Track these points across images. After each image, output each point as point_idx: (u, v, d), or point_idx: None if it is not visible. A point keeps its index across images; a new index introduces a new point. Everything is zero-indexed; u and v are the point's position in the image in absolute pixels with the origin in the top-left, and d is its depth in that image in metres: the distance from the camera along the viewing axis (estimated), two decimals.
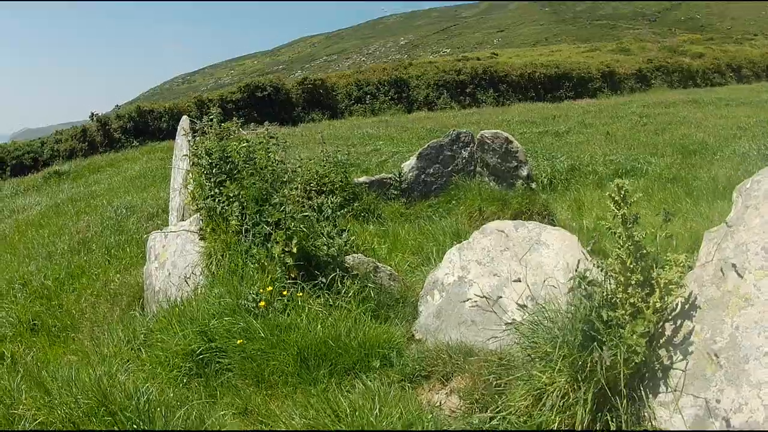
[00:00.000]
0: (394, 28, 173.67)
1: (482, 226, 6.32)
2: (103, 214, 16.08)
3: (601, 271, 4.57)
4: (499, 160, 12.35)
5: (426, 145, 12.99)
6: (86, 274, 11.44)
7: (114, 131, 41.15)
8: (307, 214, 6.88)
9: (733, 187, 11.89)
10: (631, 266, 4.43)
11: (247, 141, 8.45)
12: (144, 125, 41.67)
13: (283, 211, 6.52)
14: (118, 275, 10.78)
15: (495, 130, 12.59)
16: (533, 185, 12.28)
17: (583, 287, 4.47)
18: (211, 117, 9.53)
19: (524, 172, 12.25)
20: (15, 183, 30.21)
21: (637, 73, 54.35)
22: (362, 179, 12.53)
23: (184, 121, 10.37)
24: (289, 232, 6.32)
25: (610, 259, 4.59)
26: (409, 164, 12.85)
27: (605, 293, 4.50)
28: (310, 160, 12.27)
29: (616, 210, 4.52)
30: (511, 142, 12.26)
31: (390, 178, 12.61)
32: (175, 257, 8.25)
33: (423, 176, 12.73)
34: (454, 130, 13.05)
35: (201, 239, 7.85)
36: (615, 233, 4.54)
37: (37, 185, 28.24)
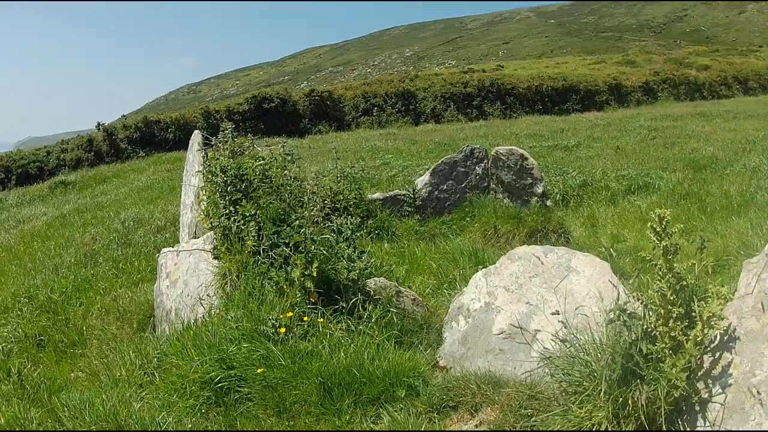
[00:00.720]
0: (400, 39, 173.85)
1: (510, 251, 6.15)
2: (110, 226, 15.97)
3: (641, 303, 4.40)
4: (513, 177, 12.18)
5: (440, 161, 12.83)
6: (93, 288, 11.33)
7: (120, 141, 41.05)
8: (327, 236, 6.68)
9: (748, 203, 11.72)
10: (672, 298, 4.26)
11: (263, 158, 8.30)
12: (150, 136, 41.56)
13: (303, 233, 6.34)
14: (126, 291, 10.64)
15: (510, 147, 12.42)
16: (548, 202, 12.10)
17: (622, 320, 4.29)
18: (225, 132, 9.38)
19: (539, 189, 12.07)
20: (20, 192, 30.15)
21: (643, 85, 54.24)
22: (376, 195, 12.37)
23: (197, 136, 10.21)
24: (309, 256, 6.15)
25: (650, 291, 4.42)
26: (422, 180, 12.69)
27: (645, 326, 4.33)
28: (324, 176, 12.10)
29: (656, 241, 4.35)
30: (527, 158, 12.09)
31: (404, 195, 12.44)
32: (187, 276, 8.08)
33: (436, 192, 12.56)
34: (467, 146, 12.89)
35: (215, 258, 7.68)
36: (655, 265, 4.35)
37: (43, 195, 28.18)
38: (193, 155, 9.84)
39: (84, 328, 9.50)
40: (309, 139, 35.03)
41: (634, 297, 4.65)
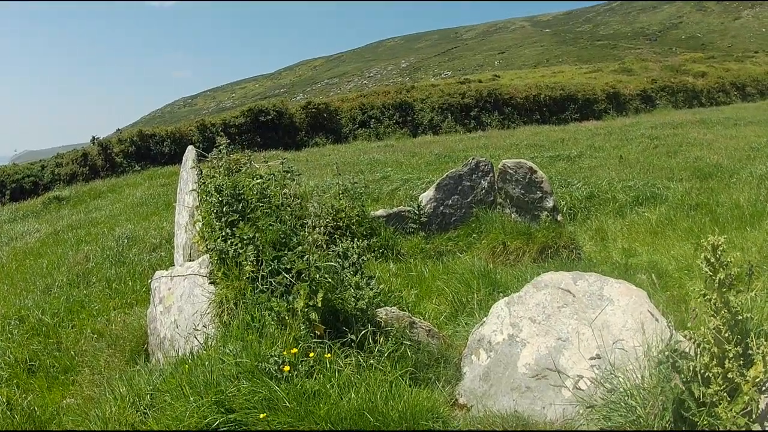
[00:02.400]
0: (395, 50, 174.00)
1: (534, 279, 5.64)
2: (103, 243, 15.64)
3: (690, 340, 3.91)
4: (522, 191, 11.72)
5: (444, 175, 12.38)
6: (86, 309, 10.95)
7: (115, 155, 40.71)
8: (332, 263, 6.19)
9: (761, 214, 11.30)
10: (727, 335, 3.78)
11: (261, 176, 7.83)
12: (146, 149, 41.23)
13: (306, 260, 5.83)
14: (119, 313, 10.23)
15: (518, 160, 11.97)
16: (559, 217, 11.64)
17: (671, 360, 3.81)
18: (220, 148, 8.93)
19: (549, 204, 11.62)
20: (14, 208, 29.87)
21: (641, 93, 54.08)
22: (379, 212, 11.92)
23: (190, 152, 9.75)
24: (314, 285, 5.64)
25: (702, 329, 3.93)
26: (427, 196, 12.23)
27: (697, 367, 3.85)
28: (324, 193, 11.68)
29: (709, 272, 3.86)
30: (536, 171, 11.63)
31: (408, 211, 11.98)
32: (182, 302, 7.62)
33: (442, 208, 12.11)
34: (473, 159, 12.44)
35: (211, 283, 7.19)
36: (709, 299, 3.87)
37: (37, 211, 27.92)
38: (187, 172, 9.39)
39: (76, 352, 9.13)
40: (306, 152, 34.70)
41: (673, 327, 4.19)
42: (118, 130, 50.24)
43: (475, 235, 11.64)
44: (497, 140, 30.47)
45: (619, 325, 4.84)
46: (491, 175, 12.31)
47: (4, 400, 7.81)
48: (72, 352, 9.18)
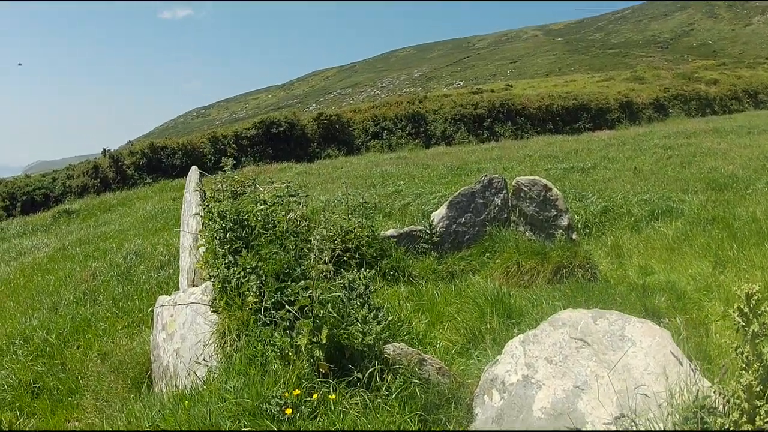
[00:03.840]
0: (408, 60, 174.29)
1: (552, 317, 5.33)
2: (111, 260, 15.54)
3: (722, 396, 3.63)
4: (536, 209, 11.44)
5: (456, 193, 12.12)
6: (92, 328, 10.81)
7: (127, 167, 40.73)
8: (336, 293, 5.93)
9: None
10: (758, 390, 3.50)
11: (265, 201, 7.58)
12: (157, 162, 41.24)
13: (309, 296, 5.57)
14: (124, 336, 10.12)
15: (532, 177, 11.69)
16: (574, 235, 11.34)
17: (699, 416, 3.53)
18: (225, 169, 8.70)
19: (564, 222, 11.32)
20: (23, 222, 30.00)
21: (654, 102, 53.88)
22: (390, 232, 11.64)
23: (194, 173, 9.51)
24: (318, 321, 5.38)
25: (733, 383, 3.65)
26: (439, 214, 11.96)
27: (726, 425, 3.57)
28: (333, 213, 11.44)
29: (742, 323, 3.57)
30: (550, 189, 11.34)
31: (419, 231, 11.69)
32: (184, 330, 7.39)
33: (454, 226, 11.83)
34: (485, 176, 12.18)
35: (213, 312, 6.95)
36: (741, 352, 3.59)
37: (46, 225, 28.00)
38: (191, 194, 9.16)
39: (81, 374, 9.03)
40: (318, 164, 34.58)
41: (698, 370, 3.90)
42: (130, 142, 50.33)
43: (488, 254, 11.37)
44: (510, 151, 30.24)
45: (640, 368, 4.55)
46: (505, 192, 12.04)
47: (7, 425, 7.72)
48: (77, 374, 9.04)
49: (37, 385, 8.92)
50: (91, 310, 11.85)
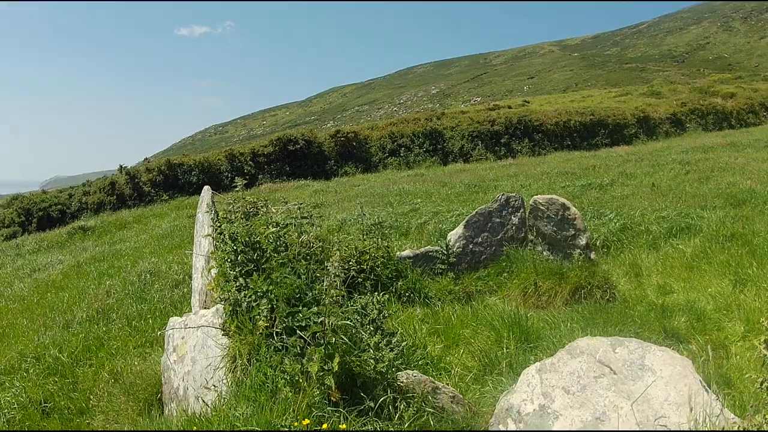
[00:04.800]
0: (425, 77, 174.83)
1: (569, 344, 5.17)
2: (125, 278, 15.54)
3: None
4: (554, 229, 11.27)
5: (473, 212, 11.97)
6: (105, 347, 10.79)
7: (143, 184, 40.78)
8: (349, 320, 5.79)
9: None
10: None
11: (277, 224, 7.46)
12: (174, 179, 41.26)
13: (321, 322, 5.43)
14: (136, 355, 10.05)
15: (550, 196, 11.52)
16: (592, 255, 11.16)
17: None
18: (236, 189, 8.59)
19: (582, 241, 11.15)
20: (39, 238, 30.09)
21: (671, 116, 53.65)
22: (405, 253, 11.50)
23: (206, 193, 9.43)
24: (329, 349, 5.24)
25: (757, 416, 3.50)
26: (455, 234, 11.81)
27: None
28: (348, 234, 11.32)
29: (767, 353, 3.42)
30: (568, 208, 11.18)
31: (436, 252, 11.53)
32: (194, 352, 7.28)
33: (471, 246, 11.68)
34: (502, 194, 12.03)
35: (224, 335, 6.84)
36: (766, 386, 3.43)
37: (61, 242, 28.09)
38: (203, 215, 9.07)
39: (92, 394, 8.96)
40: (335, 181, 34.54)
41: (721, 401, 3.74)
42: (146, 159, 50.40)
43: (505, 274, 11.20)
44: (528, 168, 30.07)
45: (661, 398, 4.39)
46: (522, 211, 11.89)
47: None
48: (88, 394, 8.99)
49: (48, 405, 8.88)
50: (104, 329, 11.83)
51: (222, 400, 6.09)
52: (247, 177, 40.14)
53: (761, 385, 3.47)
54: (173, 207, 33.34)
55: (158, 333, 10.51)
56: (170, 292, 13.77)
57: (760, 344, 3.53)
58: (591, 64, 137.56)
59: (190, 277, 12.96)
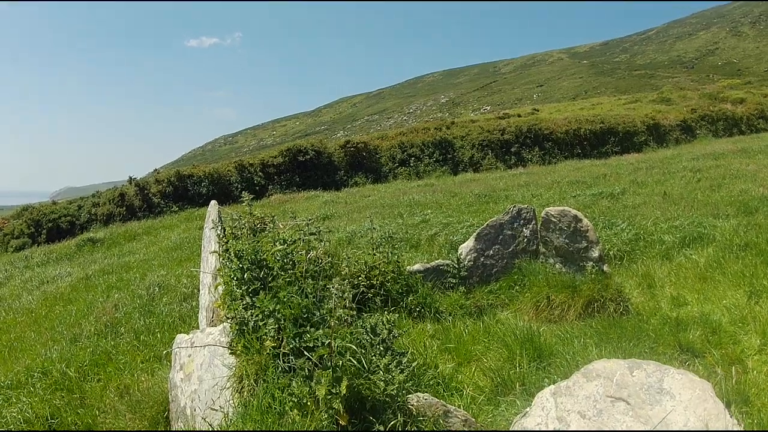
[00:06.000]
0: (434, 86, 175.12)
1: (585, 367, 5.01)
2: (134, 291, 15.53)
3: None
4: (567, 241, 11.12)
5: (485, 225, 11.83)
6: (113, 361, 10.68)
7: (153, 196, 40.80)
8: (358, 342, 5.65)
9: None
10: None
11: (284, 241, 7.34)
12: (183, 190, 41.26)
13: (328, 345, 5.30)
14: (144, 371, 9.90)
15: (562, 208, 11.37)
16: (605, 267, 10.99)
17: None
18: (243, 203, 8.49)
19: (595, 254, 10.98)
20: (47, 250, 30.14)
21: (681, 123, 53.38)
22: (416, 267, 11.35)
23: (213, 208, 9.34)
24: (337, 371, 5.11)
25: None
26: (466, 246, 11.68)
27: None
28: (358, 246, 11.18)
29: None
30: (581, 220, 11.02)
31: (447, 265, 11.40)
32: (201, 371, 7.17)
33: (482, 259, 11.54)
34: (514, 206, 11.90)
35: (231, 354, 6.72)
36: None
37: (70, 254, 28.11)
38: (210, 232, 8.98)
39: (99, 410, 8.84)
40: (345, 192, 34.51)
41: (742, 426, 3.59)
42: (156, 170, 50.43)
43: (517, 288, 11.08)
44: (538, 177, 29.95)
45: (680, 424, 4.23)
46: (533, 222, 11.75)
47: None
48: (95, 410, 8.85)
49: (54, 420, 8.76)
50: (112, 343, 11.75)
51: (228, 422, 5.97)
52: (257, 188, 40.15)
53: None
54: (183, 219, 33.35)
55: (164, 352, 10.43)
56: (179, 305, 13.70)
57: None
58: (600, 72, 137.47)
59: (199, 291, 12.90)
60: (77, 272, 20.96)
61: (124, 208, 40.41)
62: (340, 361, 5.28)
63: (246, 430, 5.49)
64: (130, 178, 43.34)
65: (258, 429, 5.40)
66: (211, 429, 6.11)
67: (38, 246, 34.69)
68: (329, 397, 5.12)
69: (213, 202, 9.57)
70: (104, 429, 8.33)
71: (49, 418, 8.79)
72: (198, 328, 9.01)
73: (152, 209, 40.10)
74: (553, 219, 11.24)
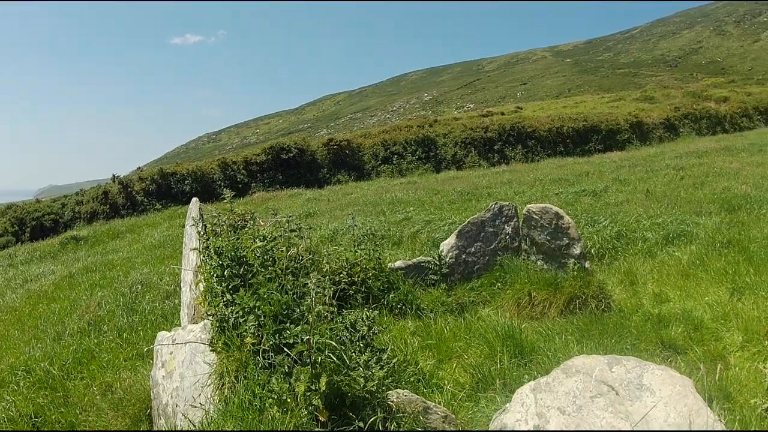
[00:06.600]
0: (418, 84, 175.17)
1: (564, 363, 5.01)
2: (117, 289, 15.47)
3: None
4: (548, 238, 11.13)
5: (466, 222, 11.83)
6: (96, 359, 10.64)
7: (136, 194, 40.69)
8: (338, 338, 5.64)
9: None
10: None
11: (264, 237, 7.32)
12: (167, 188, 41.18)
13: (307, 341, 5.29)
14: (126, 368, 9.88)
15: (543, 205, 11.38)
16: (587, 264, 11.00)
17: None
18: (224, 200, 8.47)
19: (576, 251, 11.00)
20: (31, 248, 29.99)
21: (665, 121, 53.59)
22: (397, 264, 11.34)
23: (194, 205, 9.32)
24: (316, 368, 5.10)
25: None
26: (448, 243, 11.67)
27: None
28: (340, 244, 11.18)
29: None
30: (562, 217, 11.03)
31: (428, 262, 11.39)
32: (183, 368, 7.15)
33: (464, 256, 11.54)
34: (495, 204, 11.90)
35: (212, 351, 6.70)
36: None
37: (54, 252, 28.00)
38: (191, 229, 8.96)
39: (82, 408, 8.82)
40: (328, 189, 34.51)
41: (722, 423, 3.60)
42: (140, 168, 50.26)
43: (499, 285, 11.07)
44: (521, 175, 29.98)
45: (660, 419, 4.24)
46: (515, 220, 11.75)
47: None
48: (78, 409, 8.83)
49: (38, 419, 8.74)
50: (95, 341, 11.70)
51: (210, 419, 5.95)
52: (240, 186, 40.08)
53: (766, 411, 3.34)
54: (166, 216, 33.26)
55: (145, 349, 10.40)
56: (161, 303, 13.68)
57: (765, 368, 3.39)
58: (584, 70, 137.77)
59: (181, 289, 12.89)
60: (61, 270, 20.91)
61: (108, 206, 40.27)
62: (320, 358, 5.27)
63: (226, 428, 5.48)
64: (114, 176, 43.16)
65: (238, 425, 5.39)
66: (192, 426, 6.10)
67: (22, 244, 34.56)
68: (308, 393, 5.11)
69: (194, 200, 9.55)
70: (87, 427, 8.29)
71: (33, 416, 8.77)
72: (180, 325, 8.98)
73: (136, 207, 39.99)
74: (535, 216, 11.25)
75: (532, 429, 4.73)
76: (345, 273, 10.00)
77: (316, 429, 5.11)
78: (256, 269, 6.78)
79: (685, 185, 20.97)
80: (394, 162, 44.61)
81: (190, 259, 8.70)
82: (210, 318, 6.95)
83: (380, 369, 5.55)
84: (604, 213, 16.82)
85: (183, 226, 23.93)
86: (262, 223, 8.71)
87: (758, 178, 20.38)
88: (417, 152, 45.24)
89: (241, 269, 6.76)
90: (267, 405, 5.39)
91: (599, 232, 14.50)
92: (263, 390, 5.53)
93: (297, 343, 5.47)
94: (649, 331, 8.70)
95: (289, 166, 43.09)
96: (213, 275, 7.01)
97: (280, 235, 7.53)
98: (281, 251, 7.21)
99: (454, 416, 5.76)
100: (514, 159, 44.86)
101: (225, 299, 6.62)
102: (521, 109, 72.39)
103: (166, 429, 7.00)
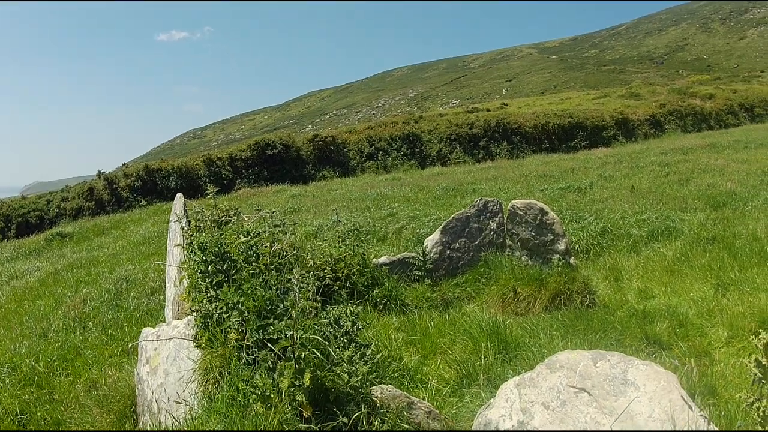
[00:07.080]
0: (403, 80, 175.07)
1: (549, 359, 5.00)
2: (102, 285, 15.40)
3: None
4: (533, 234, 11.15)
5: (451, 218, 11.83)
6: (81, 356, 10.60)
7: (122, 190, 40.51)
8: (322, 333, 5.63)
9: None
10: None
11: (248, 233, 7.30)
12: (152, 184, 41.01)
13: (291, 336, 5.28)
14: (112, 365, 9.78)
15: (528, 200, 11.41)
16: (571, 260, 11.04)
17: None
18: (208, 196, 8.44)
19: (561, 246, 11.03)
20: (16, 245, 29.79)
21: (650, 118, 53.60)
22: (382, 260, 11.34)
23: (178, 201, 9.28)
24: (300, 363, 5.09)
25: None
26: (432, 239, 11.67)
27: None
28: (324, 240, 11.17)
29: (759, 374, 3.29)
30: (547, 213, 11.06)
31: (413, 258, 11.39)
32: (167, 364, 7.13)
33: (448, 252, 11.54)
34: (480, 199, 11.90)
35: (196, 347, 6.68)
36: (757, 408, 3.30)
37: (39, 248, 27.83)
38: (175, 225, 8.93)
39: (68, 405, 8.80)
40: (313, 186, 34.42)
41: (707, 418, 3.61)
42: (124, 164, 50.07)
43: (483, 281, 11.08)
44: (506, 171, 29.99)
45: (644, 415, 4.23)
46: (500, 216, 11.76)
47: None
48: (63, 406, 8.81)
49: (24, 416, 8.73)
50: (81, 337, 11.67)
51: (193, 415, 5.94)
52: (225, 182, 39.98)
53: (751, 405, 3.34)
54: (151, 212, 33.17)
55: (130, 346, 10.36)
56: (146, 299, 13.64)
57: (749, 363, 3.39)
58: (569, 67, 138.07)
59: (165, 285, 12.85)
60: (46, 267, 20.80)
61: (93, 202, 40.10)
62: (303, 353, 5.26)
63: (210, 424, 5.47)
64: (99, 172, 42.96)
65: (222, 421, 5.38)
66: (176, 422, 6.09)
67: (7, 241, 34.36)
68: (292, 389, 5.09)
69: (179, 195, 9.51)
70: (73, 424, 8.27)
71: (18, 413, 8.76)
72: (165, 321, 8.96)
73: (121, 203, 39.81)
74: (520, 212, 11.26)
75: (516, 424, 4.73)
76: (329, 269, 10.00)
77: (300, 425, 5.10)
78: (240, 265, 6.77)
79: (670, 182, 21.04)
80: (379, 158, 44.54)
81: (175, 255, 8.67)
82: (194, 314, 6.92)
83: (364, 364, 5.55)
84: (589, 209, 16.85)
85: (168, 222, 23.84)
86: (246, 219, 8.69)
87: (743, 175, 20.49)
88: (402, 148, 45.17)
89: (225, 265, 6.74)
90: (251, 401, 5.37)
91: (584, 228, 14.54)
92: (247, 386, 5.52)
93: (281, 338, 5.46)
94: (634, 326, 8.73)
95: (274, 162, 42.98)
96: (197, 271, 6.99)
97: (265, 231, 7.52)
98: (265, 247, 7.19)
99: (438, 412, 5.76)
100: (499, 155, 44.83)
101: (209, 295, 6.60)
102: (507, 105, 72.39)
103: (151, 425, 6.97)
